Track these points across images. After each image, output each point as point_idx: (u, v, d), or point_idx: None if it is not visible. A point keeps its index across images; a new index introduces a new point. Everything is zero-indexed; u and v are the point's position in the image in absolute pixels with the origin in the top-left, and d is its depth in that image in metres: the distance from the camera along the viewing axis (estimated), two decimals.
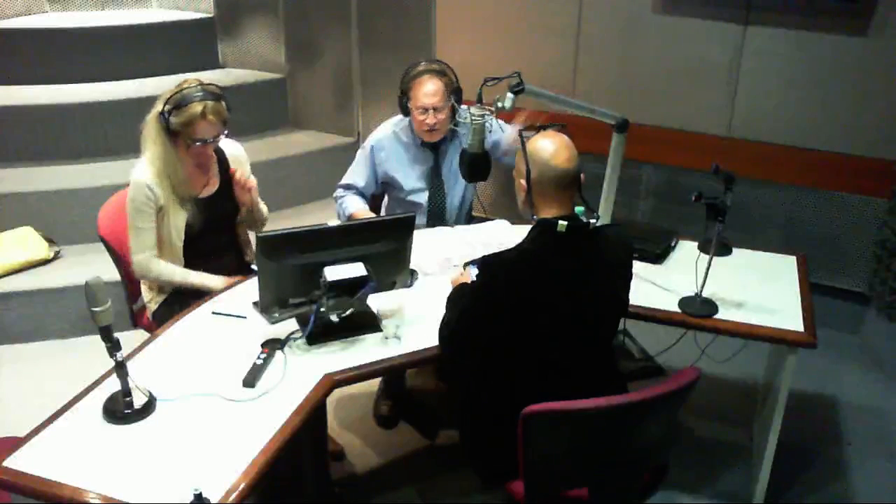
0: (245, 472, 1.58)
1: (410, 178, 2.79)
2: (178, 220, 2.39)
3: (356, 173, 2.80)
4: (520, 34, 3.75)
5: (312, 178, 4.30)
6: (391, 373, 2.66)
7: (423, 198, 2.81)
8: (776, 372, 2.37)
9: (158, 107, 2.29)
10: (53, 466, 1.58)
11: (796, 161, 3.38)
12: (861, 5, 3.08)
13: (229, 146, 2.52)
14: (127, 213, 2.37)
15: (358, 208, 2.74)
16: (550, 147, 1.87)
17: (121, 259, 2.52)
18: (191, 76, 2.36)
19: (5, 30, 4.20)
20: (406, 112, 2.68)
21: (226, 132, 2.33)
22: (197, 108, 2.23)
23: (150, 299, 2.48)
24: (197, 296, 2.31)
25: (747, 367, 2.92)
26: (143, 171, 2.33)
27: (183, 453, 1.64)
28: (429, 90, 2.59)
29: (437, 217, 2.82)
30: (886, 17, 3.06)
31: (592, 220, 1.89)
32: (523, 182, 1.89)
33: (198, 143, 2.28)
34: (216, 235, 2.50)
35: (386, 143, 2.76)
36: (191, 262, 2.45)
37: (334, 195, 2.84)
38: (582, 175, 1.90)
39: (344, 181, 2.83)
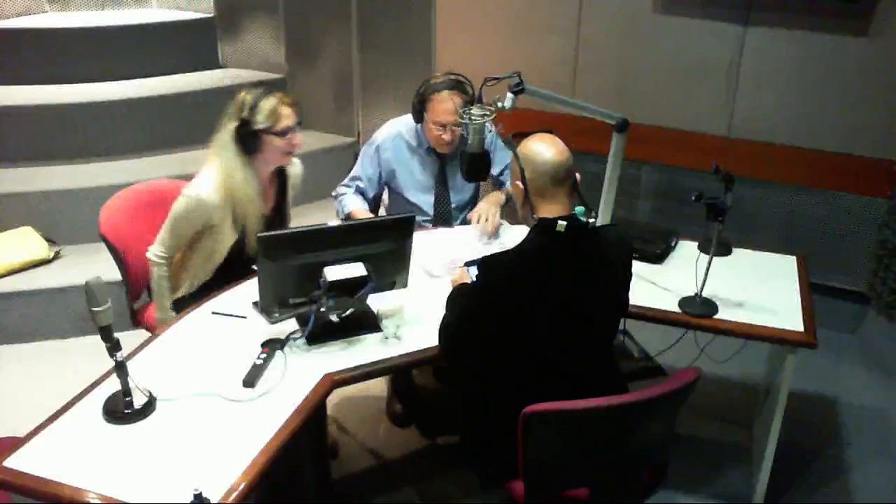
0: (245, 472, 1.58)
1: (415, 180, 2.79)
2: (227, 242, 2.37)
3: (360, 171, 2.80)
4: (520, 34, 3.75)
5: (312, 178, 4.23)
6: (393, 372, 2.66)
7: (426, 201, 2.81)
8: (776, 372, 2.37)
9: (231, 124, 2.28)
10: (53, 466, 1.58)
11: (796, 161, 3.38)
12: (861, 5, 3.08)
13: (292, 165, 2.54)
14: (172, 212, 2.33)
15: (357, 207, 2.75)
16: (541, 144, 1.88)
17: (122, 258, 2.52)
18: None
19: (5, 30, 4.20)
20: (419, 119, 2.68)
21: (300, 121, 2.37)
22: (273, 98, 2.29)
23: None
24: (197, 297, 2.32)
25: (747, 367, 2.92)
26: (209, 189, 2.28)
27: (183, 453, 1.64)
28: (449, 108, 2.56)
29: (442, 221, 2.83)
30: (886, 17, 3.06)
31: (591, 220, 1.89)
32: (519, 184, 1.89)
33: (289, 134, 2.31)
34: (255, 254, 2.45)
35: (391, 144, 2.77)
36: (226, 274, 2.39)
37: (334, 193, 2.84)
38: (578, 175, 1.90)
39: (347, 178, 2.83)
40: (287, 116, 2.31)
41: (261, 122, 2.27)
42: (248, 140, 2.28)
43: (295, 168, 2.57)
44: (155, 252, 2.38)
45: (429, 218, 2.82)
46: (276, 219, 2.51)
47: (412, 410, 2.86)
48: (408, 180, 2.79)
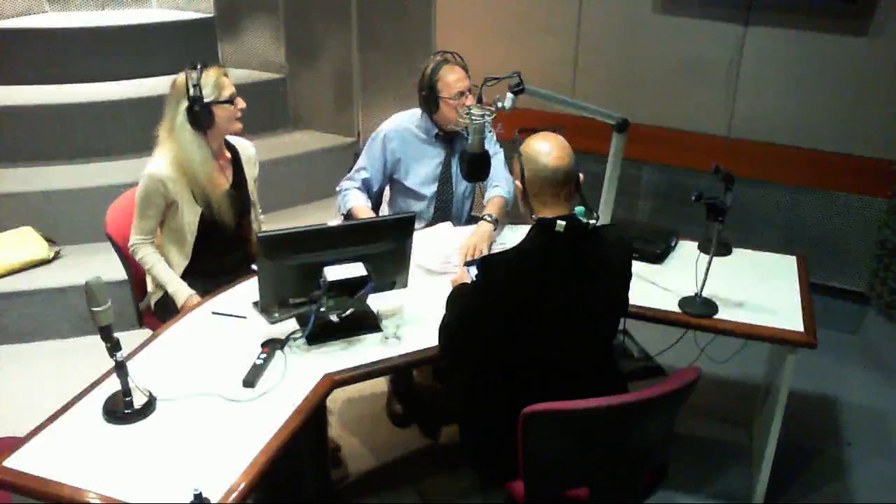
0: (245, 472, 1.58)
1: (421, 169, 2.80)
2: (192, 217, 2.42)
3: (366, 161, 2.80)
4: (520, 34, 3.75)
5: (312, 178, 4.30)
6: (393, 372, 2.66)
7: (430, 190, 2.82)
8: (776, 372, 2.37)
9: (183, 104, 2.34)
10: (53, 466, 1.59)
11: (796, 161, 3.38)
12: (861, 5, 3.08)
13: (243, 147, 2.61)
14: (135, 200, 2.41)
15: (359, 203, 2.74)
16: (542, 146, 1.86)
17: (127, 258, 2.52)
18: None
19: (5, 30, 4.20)
20: (433, 108, 2.69)
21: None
22: (211, 72, 2.38)
23: (153, 290, 2.51)
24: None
25: (747, 367, 2.92)
26: (160, 165, 2.37)
27: (183, 453, 1.64)
28: (460, 75, 2.65)
29: (443, 209, 2.84)
30: (886, 17, 3.06)
31: (592, 221, 1.87)
32: (519, 183, 1.89)
33: (234, 100, 2.40)
34: (226, 231, 2.52)
35: (397, 135, 2.78)
36: (202, 257, 2.47)
37: (338, 188, 2.84)
38: (581, 175, 1.90)
39: (352, 171, 2.83)
40: (228, 85, 2.41)
41: (208, 95, 2.35)
42: (201, 115, 2.34)
43: (247, 149, 2.63)
44: (133, 241, 2.44)
45: (430, 207, 2.83)
46: (237, 196, 2.54)
47: (412, 410, 2.86)
48: (413, 169, 2.80)
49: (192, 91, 2.31)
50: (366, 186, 2.80)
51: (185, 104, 2.34)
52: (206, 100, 2.33)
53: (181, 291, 2.39)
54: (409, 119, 2.80)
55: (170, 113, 2.38)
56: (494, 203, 2.75)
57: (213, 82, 2.36)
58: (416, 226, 2.78)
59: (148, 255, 2.43)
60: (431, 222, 2.83)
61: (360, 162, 2.82)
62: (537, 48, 3.72)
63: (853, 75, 3.19)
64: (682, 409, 1.83)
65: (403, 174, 2.80)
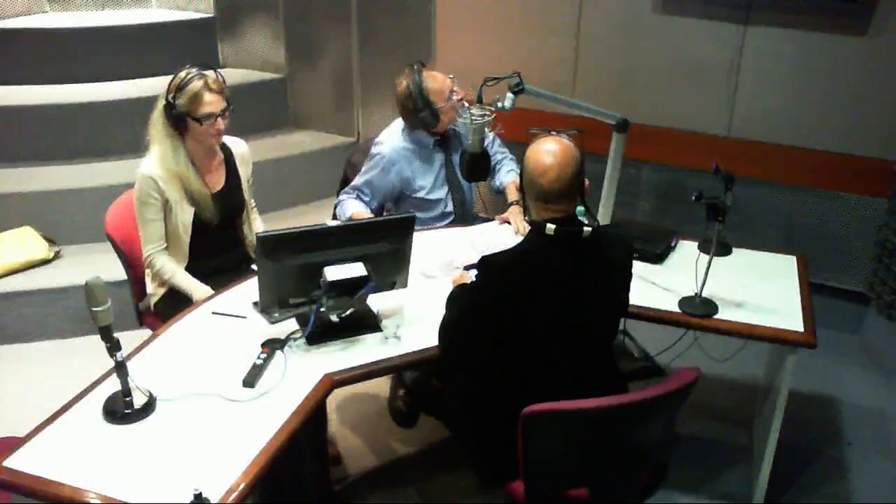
0: (245, 472, 1.58)
1: (428, 177, 2.81)
2: (186, 217, 2.41)
3: (366, 186, 2.77)
4: (520, 34, 3.75)
5: (312, 178, 4.30)
6: (394, 372, 2.66)
7: (441, 193, 2.83)
8: (776, 372, 2.37)
9: (161, 101, 2.33)
10: (53, 466, 1.59)
11: (796, 161, 3.38)
12: (861, 5, 3.08)
13: (235, 144, 2.58)
14: (134, 206, 2.40)
15: (358, 209, 2.75)
16: (542, 160, 1.82)
17: (127, 258, 2.53)
18: None
19: (5, 30, 4.20)
20: (435, 122, 2.68)
21: (231, 107, 2.37)
22: (199, 82, 2.30)
23: (154, 291, 2.50)
24: None
25: (747, 367, 2.92)
26: (150, 164, 2.36)
27: (183, 453, 1.64)
28: (441, 77, 2.66)
29: (460, 205, 2.87)
30: (886, 17, 3.06)
31: (587, 229, 1.84)
32: (518, 181, 1.89)
33: (207, 121, 2.31)
34: (221, 231, 2.52)
35: (398, 157, 2.76)
36: (197, 257, 2.47)
37: (336, 201, 2.83)
38: (587, 182, 1.88)
39: (348, 187, 2.81)
40: (209, 103, 2.31)
41: (182, 105, 2.30)
42: (174, 120, 2.32)
43: (240, 147, 2.59)
44: (146, 252, 2.41)
45: (447, 207, 2.85)
46: (227, 196, 2.51)
47: (427, 406, 2.85)
48: (422, 181, 2.80)
49: (172, 93, 2.29)
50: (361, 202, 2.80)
51: (163, 102, 2.32)
52: (178, 109, 2.29)
53: (197, 292, 2.37)
54: (398, 136, 2.79)
55: (156, 102, 2.36)
56: (514, 187, 2.80)
57: (193, 95, 2.29)
58: (440, 226, 2.80)
59: (166, 265, 2.41)
60: (453, 222, 2.85)
61: (359, 184, 2.78)
62: (537, 48, 3.71)
63: (853, 75, 3.19)
64: (682, 409, 1.83)
65: (415, 188, 2.80)
